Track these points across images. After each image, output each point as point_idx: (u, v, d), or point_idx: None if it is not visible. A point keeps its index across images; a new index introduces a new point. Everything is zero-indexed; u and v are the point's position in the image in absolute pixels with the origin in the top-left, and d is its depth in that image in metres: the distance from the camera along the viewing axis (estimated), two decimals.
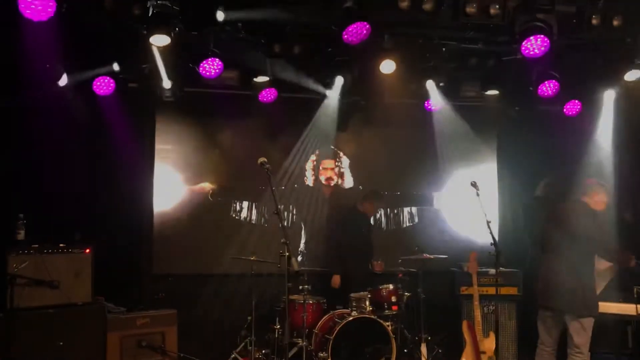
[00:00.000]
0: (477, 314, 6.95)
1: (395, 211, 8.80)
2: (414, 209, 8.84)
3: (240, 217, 8.31)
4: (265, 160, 5.26)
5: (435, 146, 8.69)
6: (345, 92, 7.78)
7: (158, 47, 6.04)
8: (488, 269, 7.49)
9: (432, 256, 7.38)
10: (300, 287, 7.03)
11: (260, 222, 8.37)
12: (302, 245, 8.47)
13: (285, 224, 8.41)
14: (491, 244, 5.49)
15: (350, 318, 6.72)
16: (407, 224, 8.82)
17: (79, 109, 6.86)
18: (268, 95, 7.54)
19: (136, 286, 7.60)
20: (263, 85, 7.41)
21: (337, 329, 6.63)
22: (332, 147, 8.66)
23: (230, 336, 7.48)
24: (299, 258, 8.43)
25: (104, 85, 7.01)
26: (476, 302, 6.98)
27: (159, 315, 6.37)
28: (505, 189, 9.12)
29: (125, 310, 6.34)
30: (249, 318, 7.29)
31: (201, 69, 6.38)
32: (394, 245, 8.45)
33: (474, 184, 5.68)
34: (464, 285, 7.66)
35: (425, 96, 7.93)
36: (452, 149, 8.81)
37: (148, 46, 5.93)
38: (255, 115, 8.19)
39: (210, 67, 6.38)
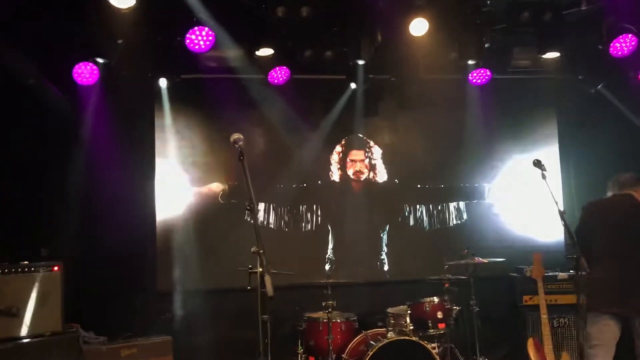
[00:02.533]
0: (546, 329, 5.61)
1: (439, 207, 7.45)
2: (461, 204, 7.48)
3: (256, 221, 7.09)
4: (241, 137, 4.03)
5: (484, 129, 7.39)
6: (371, 67, 6.48)
7: (129, 19, 4.87)
8: (556, 273, 6.09)
9: (485, 260, 6.01)
10: (324, 304, 5.77)
11: (280, 226, 7.16)
12: (329, 252, 7.22)
13: (310, 226, 7.20)
14: (569, 240, 4.11)
15: (385, 341, 5.42)
16: (454, 222, 7.46)
17: (54, 101, 5.79)
18: (279, 75, 6.35)
19: (133, 307, 6.49)
20: (270, 64, 6.19)
21: (370, 354, 5.33)
22: (361, 135, 7.37)
23: None
24: (327, 266, 7.16)
25: (85, 73, 5.94)
26: (544, 315, 5.63)
27: (150, 343, 5.25)
28: (570, 180, 7.73)
29: (106, 340, 5.20)
30: (267, 340, 6.10)
31: (187, 41, 5.22)
32: (438, 248, 7.09)
33: (537, 163, 4.36)
34: (528, 294, 6.39)
35: (468, 68, 6.54)
36: (504, 132, 7.52)
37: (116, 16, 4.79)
38: (268, 103, 7.02)
39: (199, 38, 5.22)
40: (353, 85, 6.78)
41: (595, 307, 4.67)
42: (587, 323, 4.71)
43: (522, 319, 6.42)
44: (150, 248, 6.90)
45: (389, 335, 5.58)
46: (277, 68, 6.26)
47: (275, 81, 6.38)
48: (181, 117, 7.02)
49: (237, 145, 3.96)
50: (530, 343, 5.66)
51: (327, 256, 7.21)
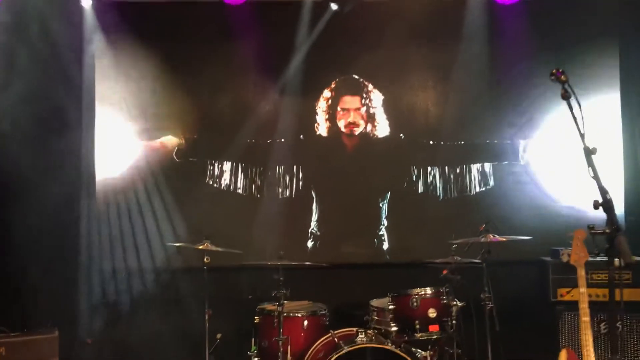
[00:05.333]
0: (587, 336, 3.85)
1: (458, 170, 5.77)
2: (487, 167, 5.76)
3: (220, 184, 5.67)
4: None
5: (517, 68, 5.67)
6: None
7: None
8: (606, 258, 4.30)
9: (503, 238, 4.33)
10: (274, 293, 4.26)
11: (250, 191, 5.68)
12: (312, 225, 5.69)
13: (289, 193, 5.69)
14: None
15: (346, 349, 3.85)
16: (477, 189, 5.75)
17: None
18: None
19: (66, 288, 5.24)
20: None
21: None
22: (356, 76, 5.74)
23: None
24: (309, 243, 5.64)
25: None
26: (585, 317, 3.86)
27: (25, 341, 3.84)
28: (635, 137, 5.80)
29: None
30: (218, 337, 4.73)
31: None
32: (454, 223, 5.44)
33: (556, 74, 2.62)
34: (564, 286, 4.68)
35: None
36: (543, 72, 5.53)
37: None
38: (234, 34, 5.51)
39: None
40: (334, 6, 5.17)
41: None
42: None
43: (554, 321, 4.69)
44: (86, 215, 5.56)
45: (357, 338, 4.01)
46: None
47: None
48: (124, 52, 5.63)
49: None
50: (562, 357, 3.96)
51: (309, 230, 5.70)
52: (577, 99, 2.58)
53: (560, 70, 2.64)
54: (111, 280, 5.52)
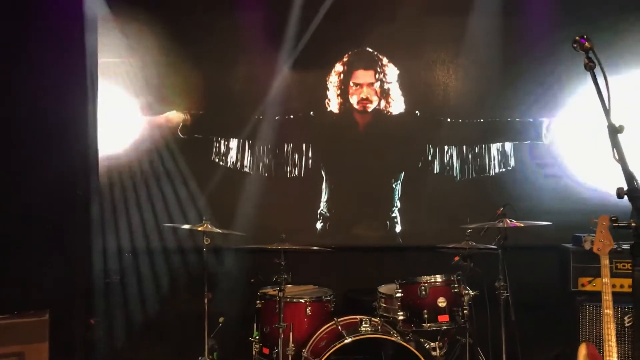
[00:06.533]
0: (610, 329, 3.57)
1: (477, 150, 5.46)
2: (507, 146, 5.44)
3: (226, 162, 5.44)
4: None
5: (543, 41, 5.27)
6: None
7: None
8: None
9: (520, 223, 4.04)
10: (275, 278, 4.04)
11: (258, 170, 5.45)
12: (322, 206, 5.44)
13: (298, 172, 5.44)
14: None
15: (348, 339, 3.62)
16: (497, 170, 5.44)
17: None
18: None
19: (69, 269, 5.07)
20: None
21: (325, 355, 3.58)
22: (370, 49, 5.43)
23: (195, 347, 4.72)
24: (318, 224, 5.40)
25: None
26: (608, 310, 3.57)
27: (14, 324, 3.69)
28: None
29: None
30: (220, 320, 4.56)
31: None
32: (472, 205, 5.18)
33: (579, 42, 2.32)
34: (585, 275, 4.38)
35: None
36: (570, 46, 5.19)
37: None
38: (241, 6, 5.38)
39: None
40: None
41: None
42: None
43: (573, 312, 4.38)
44: (88, 193, 5.37)
45: (361, 328, 3.77)
46: None
47: None
48: (128, 24, 5.38)
49: None
50: (582, 351, 3.69)
51: (319, 211, 5.45)
52: (602, 69, 2.27)
53: (585, 37, 2.32)
54: (114, 260, 5.35)
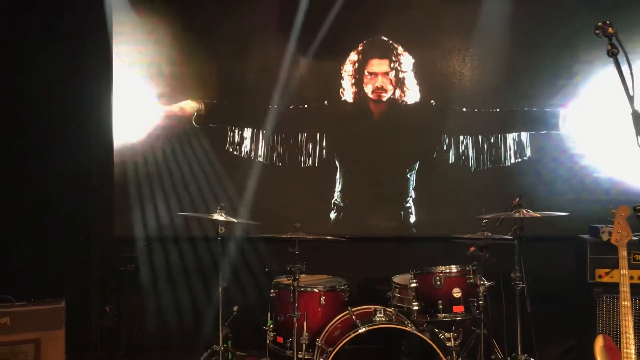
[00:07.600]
0: (627, 322, 3.52)
1: (492, 140, 5.41)
2: (524, 136, 5.39)
3: (240, 151, 5.43)
4: None
5: (560, 28, 5.24)
6: None
7: None
8: None
9: (537, 214, 3.99)
10: (289, 267, 4.03)
11: (272, 159, 5.43)
12: (336, 196, 5.41)
13: (312, 161, 5.42)
14: None
15: (362, 329, 3.61)
16: (513, 160, 5.39)
17: None
18: None
19: (84, 258, 5.13)
20: None
21: (340, 344, 3.57)
22: (385, 38, 5.39)
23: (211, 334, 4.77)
24: (332, 214, 5.39)
25: None
26: (625, 302, 3.53)
27: (30, 311, 3.71)
28: None
29: None
30: (235, 309, 4.58)
31: None
32: (488, 196, 5.15)
33: (602, 27, 2.28)
34: (603, 267, 4.31)
35: None
36: (589, 34, 5.11)
37: None
38: None
39: None
40: None
41: None
42: None
43: (590, 304, 4.34)
44: (104, 182, 5.40)
45: (375, 318, 3.75)
46: None
47: None
48: (142, 13, 5.36)
49: None
50: (599, 343, 3.64)
51: (332, 201, 5.43)
52: (626, 55, 2.23)
53: (608, 22, 2.28)
54: (129, 248, 5.36)
